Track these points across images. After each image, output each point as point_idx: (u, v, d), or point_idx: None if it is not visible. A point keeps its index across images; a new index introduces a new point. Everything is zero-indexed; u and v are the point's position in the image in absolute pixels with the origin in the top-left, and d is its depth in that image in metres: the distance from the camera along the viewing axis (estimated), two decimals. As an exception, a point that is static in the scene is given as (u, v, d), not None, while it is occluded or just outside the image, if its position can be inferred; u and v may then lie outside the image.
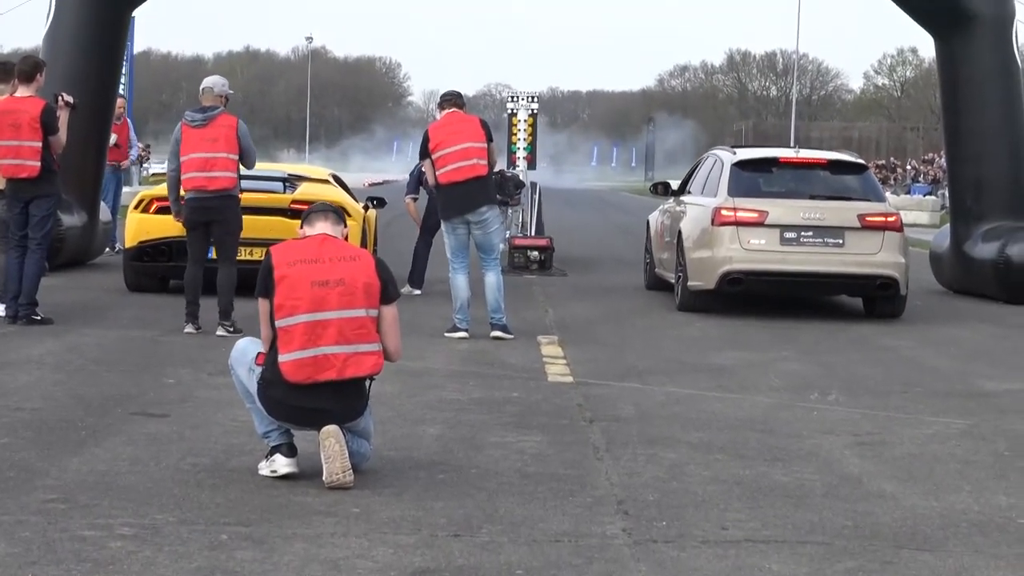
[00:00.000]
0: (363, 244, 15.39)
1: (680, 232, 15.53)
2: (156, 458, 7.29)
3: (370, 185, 57.46)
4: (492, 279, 12.74)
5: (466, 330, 12.65)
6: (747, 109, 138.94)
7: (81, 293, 12.95)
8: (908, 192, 54.11)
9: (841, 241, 14.82)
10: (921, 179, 59.43)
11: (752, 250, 14.76)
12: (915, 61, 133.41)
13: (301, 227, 7.19)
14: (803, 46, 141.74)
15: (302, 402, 6.85)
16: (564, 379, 10.50)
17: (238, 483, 6.75)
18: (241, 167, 12.68)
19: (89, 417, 8.35)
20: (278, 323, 6.88)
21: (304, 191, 15.48)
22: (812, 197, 15.14)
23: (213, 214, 12.57)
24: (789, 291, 15.54)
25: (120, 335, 12.07)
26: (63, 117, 12.63)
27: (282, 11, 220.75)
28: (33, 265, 12.49)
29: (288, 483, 6.81)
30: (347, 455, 6.74)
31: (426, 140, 12.64)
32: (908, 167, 67.15)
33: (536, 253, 19.51)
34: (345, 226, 7.23)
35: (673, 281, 15.92)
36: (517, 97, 28.87)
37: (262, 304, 6.97)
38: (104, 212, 18.77)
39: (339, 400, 6.89)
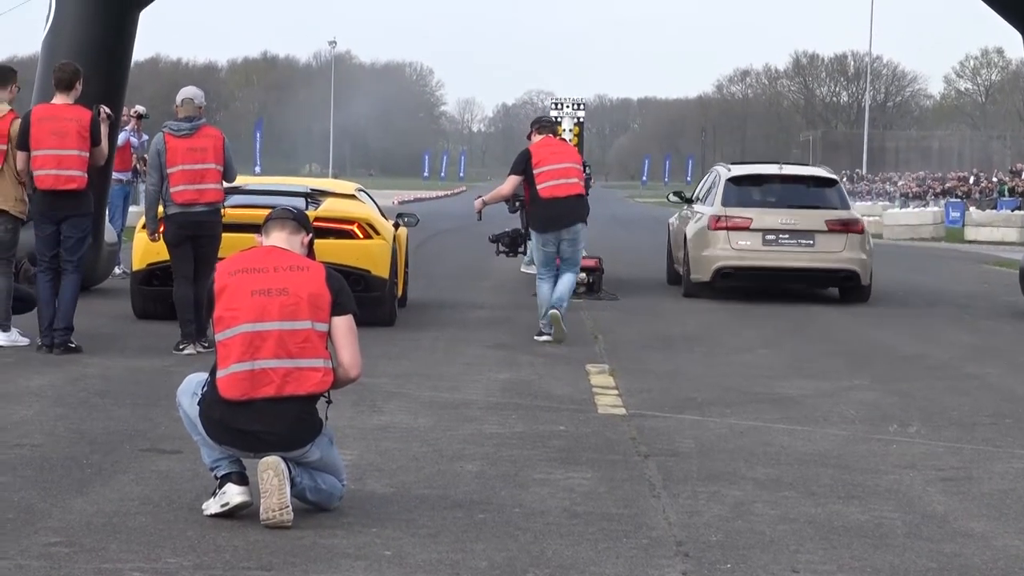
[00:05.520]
0: (393, 265, 15.42)
1: (685, 234, 20.20)
2: (168, 498, 7.31)
3: (400, 203, 57.51)
4: (570, 278, 14.62)
5: (550, 334, 14.44)
6: (815, 117, 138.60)
7: (84, 320, 13.01)
8: (994, 207, 53.67)
9: (812, 241, 19.40)
10: (1008, 192, 59.10)
11: (740, 250, 19.42)
12: (1001, 63, 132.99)
13: (259, 236, 7.24)
14: (876, 48, 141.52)
15: (240, 423, 6.84)
16: (616, 411, 10.49)
17: (259, 524, 6.74)
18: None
19: (94, 454, 8.38)
20: (218, 337, 6.93)
21: (328, 207, 15.52)
22: (789, 206, 19.71)
23: (202, 228, 13.10)
24: (771, 283, 19.82)
25: (127, 365, 12.12)
26: (103, 130, 12.91)
27: (303, 14, 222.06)
28: (70, 287, 12.68)
29: (313, 524, 6.82)
30: (287, 490, 6.73)
31: (528, 157, 14.56)
32: (994, 179, 66.87)
33: (584, 275, 19.43)
34: (307, 233, 7.25)
35: (682, 274, 20.49)
36: (561, 104, 28.89)
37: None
38: (109, 233, 18.87)
39: (281, 422, 6.86)
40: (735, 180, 20.23)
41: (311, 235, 7.31)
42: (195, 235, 13.09)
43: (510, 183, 14.89)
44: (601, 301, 19.14)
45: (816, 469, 8.50)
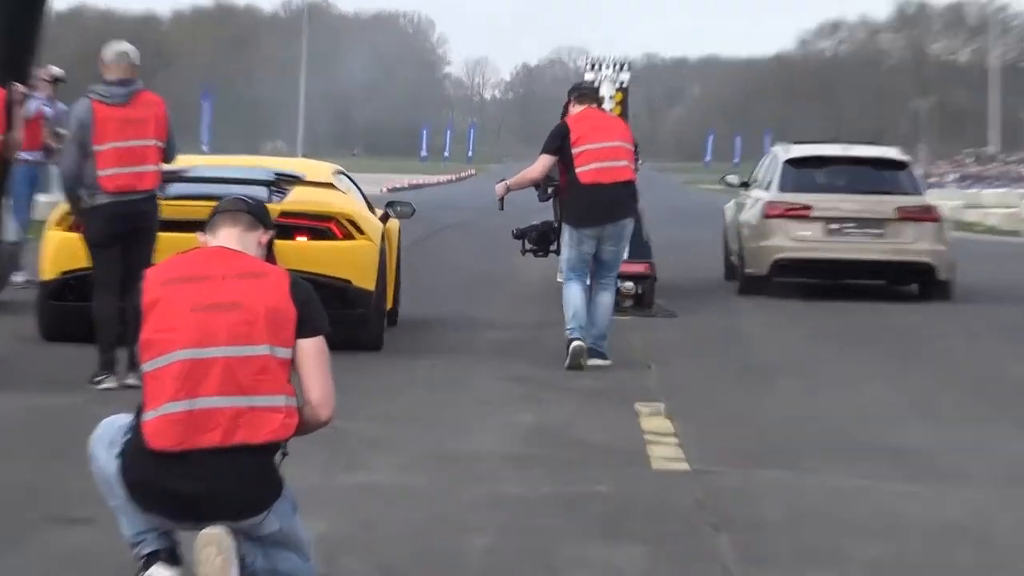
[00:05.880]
0: (381, 272, 15.30)
1: (739, 223, 22.83)
2: (76, 582, 7.20)
3: (391, 191, 57.81)
4: (608, 300, 15.14)
5: (580, 339, 14.64)
6: (926, 81, 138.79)
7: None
8: None
9: (881, 231, 21.62)
10: None
11: (799, 240, 21.64)
12: None
13: (202, 235, 7.03)
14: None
15: (173, 482, 6.61)
16: (676, 465, 10.43)
17: (195, 620, 6.59)
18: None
19: (-19, 523, 8.33)
20: (145, 368, 6.71)
21: (297, 198, 15.37)
22: (855, 191, 22.21)
23: (139, 220, 12.99)
24: (835, 277, 22.33)
25: (28, 403, 12.05)
26: (18, 113, 13.01)
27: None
28: None
29: (268, 620, 6.63)
30: (233, 574, 6.53)
31: (564, 132, 14.89)
32: None
33: (631, 284, 19.26)
34: (265, 230, 7.04)
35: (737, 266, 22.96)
36: (599, 65, 28.73)
37: None
38: (10, 229, 18.76)
39: (228, 481, 6.64)
40: (793, 162, 22.66)
41: (271, 232, 7.09)
42: (131, 229, 12.93)
43: (541, 164, 15.00)
44: (654, 318, 18.95)
45: (949, 544, 8.45)
